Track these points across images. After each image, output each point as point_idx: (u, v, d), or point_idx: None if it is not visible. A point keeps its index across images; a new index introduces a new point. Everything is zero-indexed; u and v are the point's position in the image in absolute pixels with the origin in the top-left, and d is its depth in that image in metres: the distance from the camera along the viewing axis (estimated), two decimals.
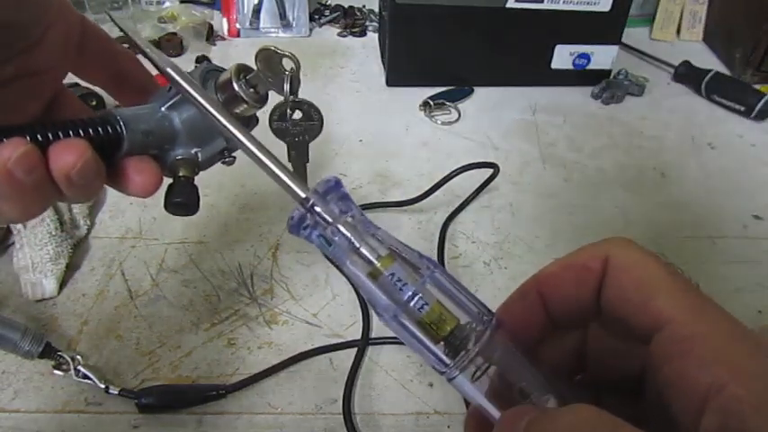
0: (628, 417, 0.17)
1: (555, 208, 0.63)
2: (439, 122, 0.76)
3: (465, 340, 0.23)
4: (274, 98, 0.38)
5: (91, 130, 0.26)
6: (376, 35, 0.94)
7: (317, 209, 0.23)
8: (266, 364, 0.46)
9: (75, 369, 0.44)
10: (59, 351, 0.44)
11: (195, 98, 0.27)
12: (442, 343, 0.23)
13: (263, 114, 0.38)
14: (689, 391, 0.18)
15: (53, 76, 0.29)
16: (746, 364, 0.18)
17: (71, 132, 0.25)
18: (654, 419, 0.21)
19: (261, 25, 0.91)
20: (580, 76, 0.83)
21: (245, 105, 0.31)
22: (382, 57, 0.87)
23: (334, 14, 0.97)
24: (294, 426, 0.43)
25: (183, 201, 0.30)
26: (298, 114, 0.38)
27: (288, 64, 0.33)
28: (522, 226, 0.60)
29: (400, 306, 0.23)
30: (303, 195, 0.24)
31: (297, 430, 0.43)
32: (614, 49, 0.82)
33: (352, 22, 0.96)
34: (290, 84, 0.34)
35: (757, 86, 0.81)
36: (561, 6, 0.76)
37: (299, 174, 0.41)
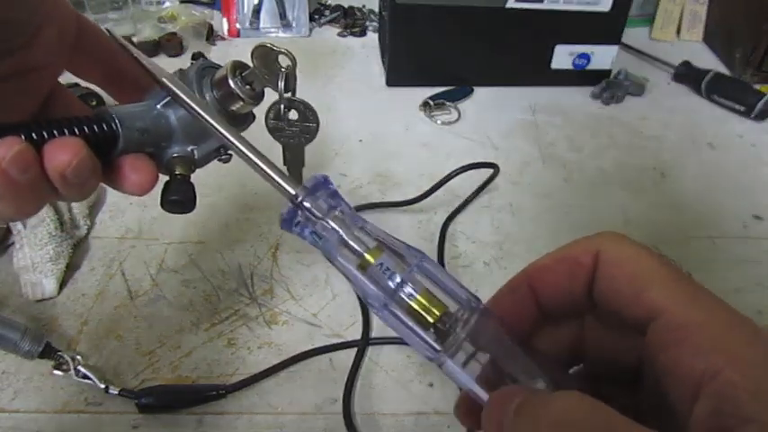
0: (626, 407, 0.17)
1: (555, 208, 0.63)
2: (439, 122, 0.76)
3: (454, 326, 0.23)
4: (273, 96, 0.38)
5: (86, 128, 0.26)
6: (376, 35, 0.94)
7: (307, 204, 0.24)
8: (266, 364, 0.46)
9: (75, 369, 0.44)
10: (59, 351, 0.44)
11: (182, 99, 0.27)
12: (431, 330, 0.23)
13: (262, 112, 0.38)
14: (684, 379, 0.18)
15: (48, 73, 0.29)
16: (742, 351, 0.18)
17: (66, 131, 0.25)
18: (652, 409, 0.21)
19: (261, 25, 0.91)
20: (580, 76, 0.83)
21: (241, 102, 0.31)
22: (382, 57, 0.87)
23: (334, 14, 0.97)
24: (294, 426, 0.43)
25: (179, 198, 0.30)
26: (294, 114, 0.38)
27: (284, 61, 0.33)
28: (521, 226, 0.60)
29: (390, 295, 0.23)
30: (293, 192, 0.24)
31: (297, 430, 0.43)
32: (614, 49, 0.82)
33: (352, 22, 0.96)
34: (286, 81, 0.34)
35: (757, 86, 0.81)
36: (561, 6, 0.76)
37: (295, 176, 0.41)
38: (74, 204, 0.57)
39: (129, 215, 0.59)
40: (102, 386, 0.43)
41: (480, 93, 0.82)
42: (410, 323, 0.23)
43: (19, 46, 0.26)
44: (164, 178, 0.31)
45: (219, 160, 0.33)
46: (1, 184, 0.23)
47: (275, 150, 0.40)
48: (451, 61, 0.81)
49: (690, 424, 0.18)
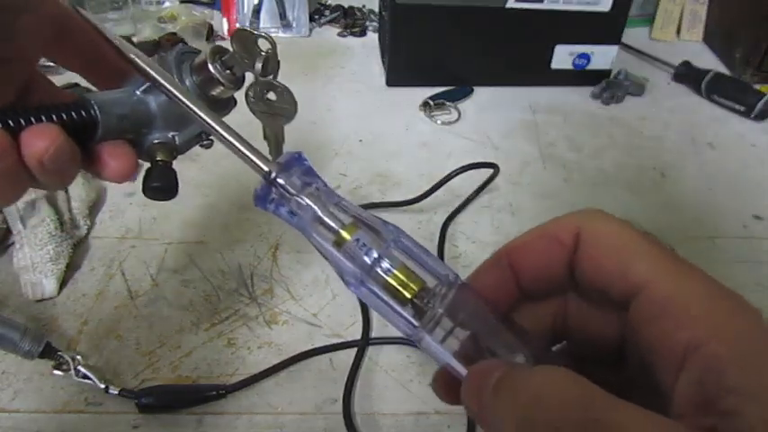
0: (609, 383, 0.17)
1: (555, 208, 0.63)
2: (439, 122, 0.76)
3: (432, 301, 0.23)
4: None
5: (64, 115, 0.26)
6: (376, 35, 0.94)
7: (280, 181, 0.24)
8: (266, 364, 0.46)
9: (75, 369, 0.44)
10: (59, 351, 0.44)
11: (156, 79, 0.27)
12: (409, 306, 0.23)
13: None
14: (668, 352, 0.18)
15: (26, 61, 0.28)
16: (725, 322, 0.18)
17: (44, 117, 0.25)
18: (636, 386, 0.21)
19: (261, 25, 0.92)
20: (580, 76, 0.83)
21: (222, 87, 0.31)
22: (382, 57, 0.87)
23: (334, 14, 0.97)
24: (294, 426, 0.43)
25: (161, 185, 0.30)
26: (273, 96, 0.38)
27: (264, 45, 0.33)
28: (522, 226, 0.60)
29: (366, 271, 0.23)
30: (266, 169, 0.24)
31: (297, 430, 0.43)
32: (614, 49, 0.82)
33: (352, 22, 0.96)
34: (265, 64, 0.33)
35: (757, 86, 0.82)
36: (561, 6, 0.76)
37: (275, 154, 0.41)
38: (74, 204, 0.57)
39: (129, 215, 0.59)
40: (102, 386, 0.43)
41: (480, 93, 0.82)
42: (388, 299, 0.23)
43: None
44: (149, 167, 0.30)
45: (201, 146, 0.33)
46: None
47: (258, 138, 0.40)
48: (451, 61, 0.81)
49: (674, 397, 0.18)
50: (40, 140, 0.24)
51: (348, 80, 0.84)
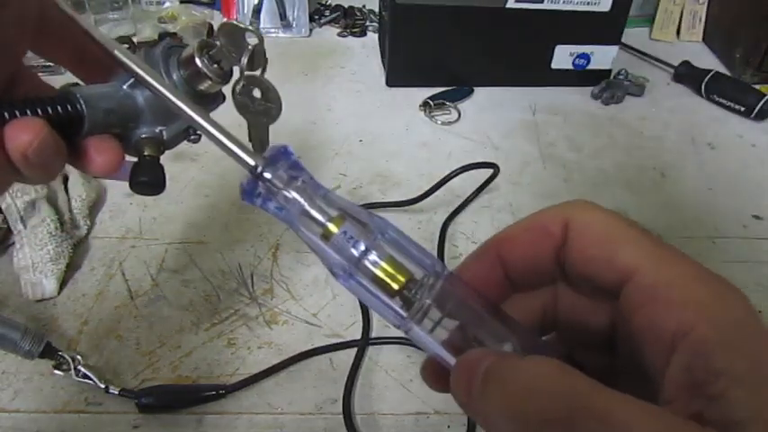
0: (600, 373, 0.17)
1: None
2: (439, 122, 0.76)
3: (420, 292, 0.23)
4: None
5: (49, 109, 0.26)
6: (376, 35, 0.94)
7: (267, 175, 0.24)
8: (266, 364, 0.46)
9: (75, 369, 0.44)
10: (59, 351, 0.44)
11: (138, 73, 0.27)
12: (397, 297, 0.23)
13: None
14: (658, 338, 0.18)
15: (10, 54, 0.28)
16: (712, 306, 0.18)
17: (28, 111, 0.25)
18: (626, 374, 0.21)
19: (261, 25, 0.91)
20: (580, 76, 0.83)
21: (209, 81, 0.31)
22: (382, 57, 0.87)
23: (335, 14, 0.97)
24: (294, 426, 0.43)
25: (148, 180, 0.30)
26: (258, 93, 0.38)
27: (252, 39, 0.33)
28: None
29: (354, 263, 0.23)
30: (252, 163, 0.24)
31: (297, 430, 0.43)
32: (614, 49, 0.82)
33: (352, 23, 0.96)
34: (251, 58, 0.33)
35: (757, 86, 0.81)
36: (561, 6, 0.76)
37: (259, 152, 0.41)
38: (74, 204, 0.57)
39: (129, 215, 0.59)
40: (103, 386, 0.43)
41: (480, 93, 0.82)
42: (376, 291, 0.23)
43: None
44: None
45: (189, 141, 0.33)
46: None
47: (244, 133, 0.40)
48: (451, 61, 0.81)
49: (664, 383, 0.18)
50: (24, 134, 0.24)
51: (348, 80, 0.84)
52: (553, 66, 0.82)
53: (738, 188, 0.68)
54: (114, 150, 0.28)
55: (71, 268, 0.53)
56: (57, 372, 0.44)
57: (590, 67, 0.83)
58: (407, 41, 0.78)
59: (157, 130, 0.30)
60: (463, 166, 0.62)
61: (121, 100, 0.29)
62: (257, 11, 0.91)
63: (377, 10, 0.92)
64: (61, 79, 0.28)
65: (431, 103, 0.78)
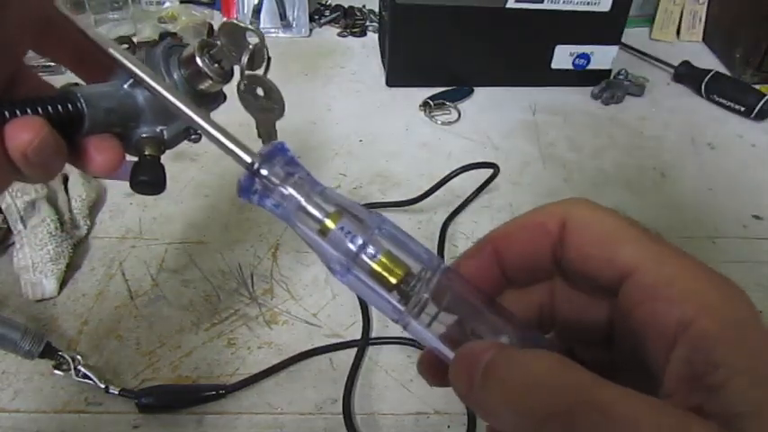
0: (597, 366, 0.17)
1: None
2: (439, 122, 0.76)
3: (417, 286, 0.23)
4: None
5: (50, 108, 0.26)
6: (376, 35, 0.94)
7: (264, 172, 0.24)
8: (266, 364, 0.46)
9: (75, 369, 0.44)
10: (59, 351, 0.44)
11: (135, 73, 0.27)
12: (395, 291, 0.23)
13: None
14: (658, 333, 0.18)
15: (11, 54, 0.28)
16: (711, 299, 0.18)
17: (29, 110, 0.25)
18: (624, 370, 0.21)
19: (261, 25, 0.91)
20: (580, 76, 0.83)
21: (210, 81, 0.31)
22: (382, 57, 0.87)
23: (335, 14, 0.97)
24: (294, 426, 0.43)
25: (149, 180, 0.30)
26: (261, 92, 0.38)
27: (252, 38, 0.33)
28: None
29: (352, 258, 0.23)
30: (249, 160, 0.24)
31: (297, 430, 0.43)
32: (614, 49, 0.82)
33: (352, 23, 0.96)
34: (252, 57, 0.33)
35: (757, 86, 0.81)
36: (561, 6, 0.76)
37: None
38: (74, 204, 0.57)
39: (129, 215, 0.59)
40: (103, 386, 0.43)
41: (480, 93, 0.82)
42: (374, 285, 0.23)
43: None
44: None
45: (189, 140, 0.33)
46: None
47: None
48: (451, 61, 0.81)
49: (664, 377, 0.18)
50: (24, 133, 0.24)
51: (348, 80, 0.84)
52: (553, 66, 0.82)
53: (738, 188, 0.68)
54: (115, 150, 0.28)
55: (71, 268, 0.53)
56: (57, 372, 0.44)
57: (590, 67, 0.83)
58: (407, 41, 0.78)
59: (158, 130, 0.30)
60: (463, 166, 0.62)
61: (122, 99, 0.29)
62: (257, 11, 0.91)
63: (377, 10, 0.92)
64: (62, 79, 0.28)
65: (431, 103, 0.78)
